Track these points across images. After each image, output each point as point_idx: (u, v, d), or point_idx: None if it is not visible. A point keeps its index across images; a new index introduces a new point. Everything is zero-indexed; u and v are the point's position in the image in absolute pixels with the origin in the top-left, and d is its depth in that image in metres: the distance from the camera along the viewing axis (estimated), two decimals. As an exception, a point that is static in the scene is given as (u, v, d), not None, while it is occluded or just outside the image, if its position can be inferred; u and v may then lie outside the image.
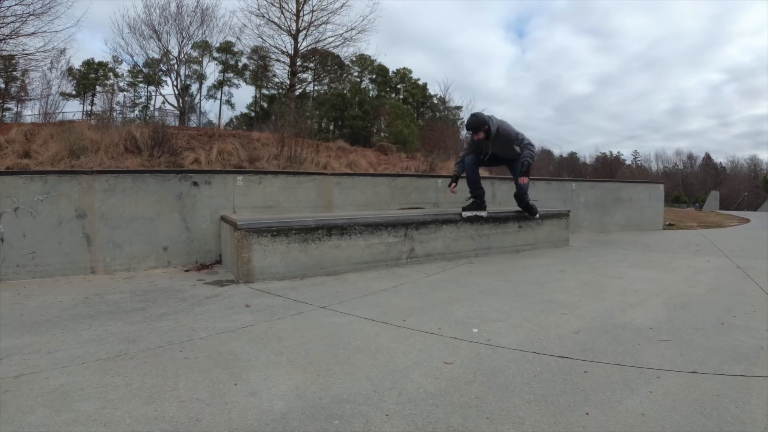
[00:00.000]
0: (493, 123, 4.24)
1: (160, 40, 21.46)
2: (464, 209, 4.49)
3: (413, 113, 32.47)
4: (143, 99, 36.16)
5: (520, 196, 4.75)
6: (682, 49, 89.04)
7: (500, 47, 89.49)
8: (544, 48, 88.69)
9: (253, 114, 34.13)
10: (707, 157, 63.37)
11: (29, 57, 14.63)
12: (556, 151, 60.88)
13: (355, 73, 34.81)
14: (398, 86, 39.67)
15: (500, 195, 6.45)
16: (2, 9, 12.95)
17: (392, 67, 37.89)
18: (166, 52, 22.32)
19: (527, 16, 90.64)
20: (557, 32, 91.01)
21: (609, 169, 55.08)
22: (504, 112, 77.56)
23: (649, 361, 1.82)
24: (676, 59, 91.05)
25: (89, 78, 35.25)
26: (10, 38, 13.43)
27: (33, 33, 13.69)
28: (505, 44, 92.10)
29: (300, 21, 20.00)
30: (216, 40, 24.91)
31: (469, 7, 78.58)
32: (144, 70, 26.02)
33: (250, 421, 1.37)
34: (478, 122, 4.23)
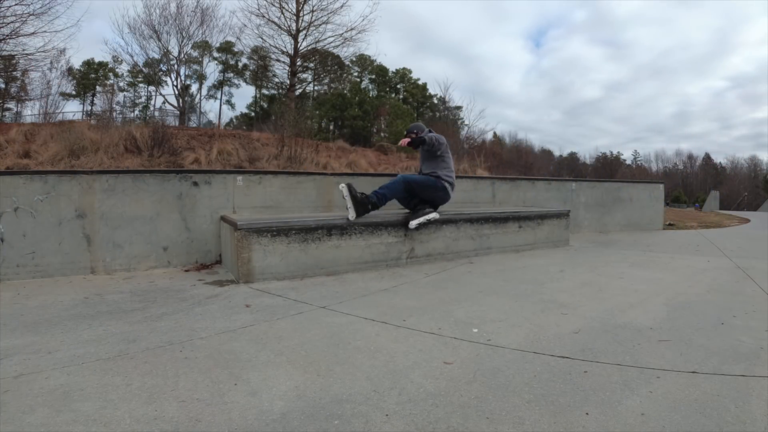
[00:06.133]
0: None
1: (160, 40, 21.51)
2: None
3: (413, 113, 32.44)
4: (143, 99, 36.17)
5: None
6: (689, 59, 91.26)
7: (517, 55, 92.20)
8: (559, 57, 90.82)
9: (253, 114, 34.15)
10: (707, 157, 63.37)
11: (29, 57, 14.66)
12: (557, 151, 61.06)
13: (355, 73, 34.82)
14: (398, 86, 39.65)
15: (500, 195, 6.46)
16: (2, 9, 12.96)
17: (397, 66, 37.96)
18: (166, 52, 22.36)
19: (546, 27, 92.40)
20: (573, 42, 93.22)
21: (609, 169, 55.05)
22: (515, 115, 79.30)
23: (649, 361, 1.82)
24: (683, 68, 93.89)
25: (89, 78, 35.26)
26: (10, 38, 13.45)
27: (33, 33, 13.73)
28: (523, 53, 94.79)
29: (300, 21, 20.04)
30: (216, 40, 24.99)
31: (494, 18, 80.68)
32: (144, 70, 26.02)
33: (250, 421, 1.37)
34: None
